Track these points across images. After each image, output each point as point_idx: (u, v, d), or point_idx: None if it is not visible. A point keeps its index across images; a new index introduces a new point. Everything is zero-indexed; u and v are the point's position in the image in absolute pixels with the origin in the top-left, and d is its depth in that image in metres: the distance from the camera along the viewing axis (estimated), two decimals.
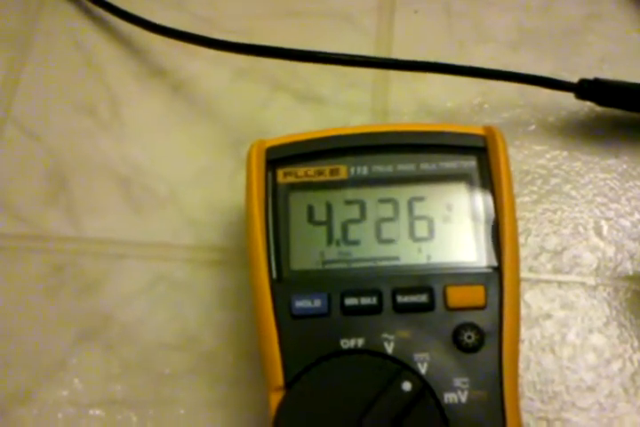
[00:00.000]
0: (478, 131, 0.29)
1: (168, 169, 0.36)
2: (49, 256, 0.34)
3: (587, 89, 0.33)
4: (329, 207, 0.29)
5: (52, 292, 0.33)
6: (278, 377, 0.26)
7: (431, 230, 0.28)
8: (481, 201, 0.28)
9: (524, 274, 0.32)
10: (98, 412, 0.31)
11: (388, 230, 0.28)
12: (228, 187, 0.35)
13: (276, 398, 0.26)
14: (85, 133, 0.37)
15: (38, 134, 0.37)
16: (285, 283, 0.27)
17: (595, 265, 0.32)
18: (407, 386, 0.25)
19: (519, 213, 0.33)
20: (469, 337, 0.26)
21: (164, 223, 0.34)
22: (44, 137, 0.37)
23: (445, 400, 0.25)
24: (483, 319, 0.26)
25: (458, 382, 0.25)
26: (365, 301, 0.27)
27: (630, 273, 0.32)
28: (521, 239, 0.33)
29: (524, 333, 0.31)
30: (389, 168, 0.29)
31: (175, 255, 0.34)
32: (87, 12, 0.40)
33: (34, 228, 0.35)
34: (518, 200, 0.33)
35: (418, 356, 0.26)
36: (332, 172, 0.29)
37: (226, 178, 0.35)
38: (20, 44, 0.39)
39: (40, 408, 0.31)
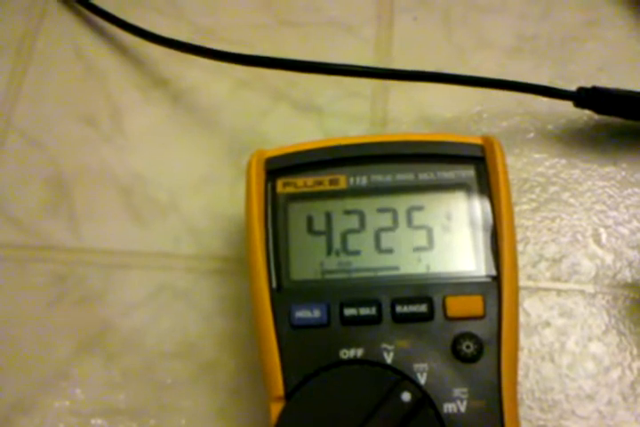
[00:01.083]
0: (476, 140, 0.29)
1: (169, 178, 0.36)
2: (50, 266, 0.34)
3: (585, 97, 0.33)
4: (328, 217, 0.29)
5: (54, 302, 0.33)
6: (278, 387, 0.26)
7: (430, 240, 0.28)
8: (479, 210, 0.28)
9: (522, 282, 0.32)
10: (100, 421, 0.31)
11: (387, 240, 0.28)
12: (229, 196, 0.35)
13: (276, 409, 0.26)
14: (87, 143, 0.37)
15: (40, 143, 0.37)
16: (285, 293, 0.27)
17: (593, 273, 0.33)
18: (407, 396, 0.25)
19: (518, 222, 0.33)
20: (468, 347, 0.26)
21: (164, 233, 0.34)
22: (46, 146, 0.37)
23: (445, 410, 0.25)
24: (481, 329, 0.26)
25: (457, 391, 0.25)
26: (365, 311, 0.27)
27: (629, 281, 0.32)
28: (520, 247, 0.33)
29: (523, 341, 0.31)
30: (388, 178, 0.29)
31: (176, 265, 0.34)
32: (89, 23, 0.40)
33: (35, 238, 0.35)
34: (517, 208, 0.34)
35: (417, 366, 0.26)
36: (332, 182, 0.29)
37: (226, 187, 0.35)
38: (22, 53, 0.39)
39: (42, 418, 0.31)
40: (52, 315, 0.33)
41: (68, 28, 0.40)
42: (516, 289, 0.27)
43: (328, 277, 0.28)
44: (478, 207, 0.28)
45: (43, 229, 0.35)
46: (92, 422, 0.31)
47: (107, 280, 0.34)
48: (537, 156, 0.35)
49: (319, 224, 0.29)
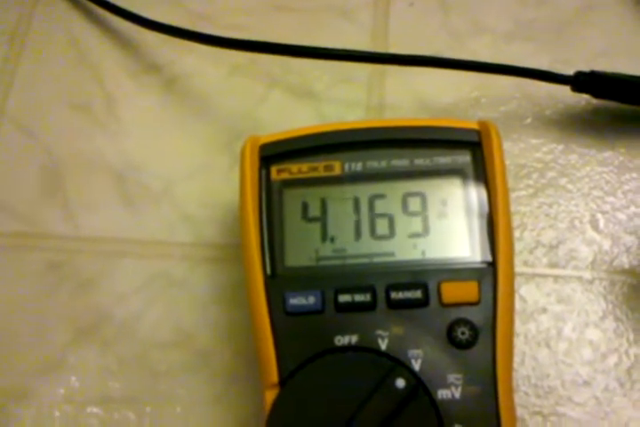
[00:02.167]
0: (473, 125, 0.29)
1: (163, 165, 0.35)
2: (45, 254, 0.34)
3: (583, 82, 0.33)
4: (323, 203, 0.29)
5: (49, 290, 0.33)
6: (273, 374, 0.26)
7: (426, 226, 0.28)
8: (475, 196, 0.28)
9: (519, 268, 0.32)
10: (95, 410, 0.31)
11: (382, 226, 0.28)
12: (225, 183, 0.35)
13: (270, 396, 0.26)
14: (81, 130, 0.37)
15: (33, 131, 0.37)
16: (279, 280, 0.27)
17: (591, 259, 0.32)
18: (401, 383, 0.25)
19: (515, 208, 0.33)
20: (463, 333, 0.26)
21: (159, 220, 0.34)
22: (39, 134, 0.37)
23: (439, 397, 0.25)
24: (477, 315, 0.26)
25: (452, 378, 0.25)
26: (359, 297, 0.27)
27: (626, 267, 0.32)
28: (516, 233, 0.33)
29: (520, 327, 0.31)
30: (384, 164, 0.29)
31: (171, 252, 0.34)
32: (82, 9, 0.39)
33: (30, 226, 0.35)
34: (514, 194, 0.33)
35: (412, 352, 0.26)
36: (327, 168, 0.29)
37: (222, 174, 0.35)
38: (15, 40, 0.39)
39: (37, 406, 0.31)
40: (47, 303, 0.33)
41: (62, 15, 0.39)
42: (511, 275, 0.27)
43: (323, 263, 0.28)
44: (474, 193, 0.28)
45: (37, 218, 0.35)
46: (88, 409, 0.31)
47: (102, 268, 0.33)
48: (534, 141, 0.35)
49: (314, 211, 0.29)
